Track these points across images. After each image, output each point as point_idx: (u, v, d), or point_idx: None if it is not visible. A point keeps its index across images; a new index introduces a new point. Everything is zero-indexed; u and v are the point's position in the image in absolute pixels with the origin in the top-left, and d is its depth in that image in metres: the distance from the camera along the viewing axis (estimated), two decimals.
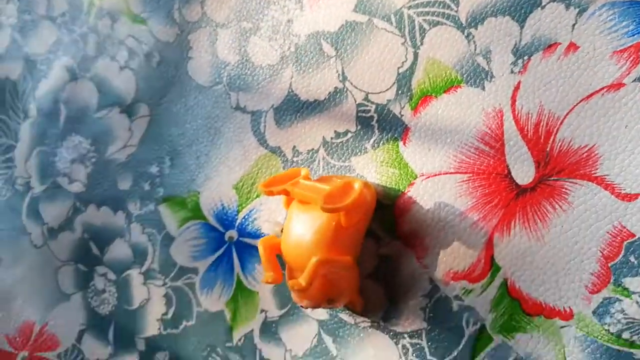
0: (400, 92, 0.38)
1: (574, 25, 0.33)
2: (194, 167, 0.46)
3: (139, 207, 0.48)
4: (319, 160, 0.41)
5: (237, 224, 0.44)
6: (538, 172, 0.33)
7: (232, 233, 0.44)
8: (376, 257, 0.38)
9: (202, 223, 0.45)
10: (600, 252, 0.31)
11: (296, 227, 0.34)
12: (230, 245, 0.44)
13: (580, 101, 0.32)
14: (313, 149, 0.41)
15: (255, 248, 0.43)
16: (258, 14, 0.44)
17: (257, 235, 0.43)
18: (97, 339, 0.50)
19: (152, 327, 0.47)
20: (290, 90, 0.42)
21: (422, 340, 0.36)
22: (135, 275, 0.48)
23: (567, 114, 0.32)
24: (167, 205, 0.47)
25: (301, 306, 0.35)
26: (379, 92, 0.39)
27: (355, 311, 0.38)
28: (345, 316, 0.39)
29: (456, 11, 0.36)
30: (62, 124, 0.52)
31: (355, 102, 0.40)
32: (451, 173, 0.36)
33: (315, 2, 0.41)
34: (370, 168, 0.39)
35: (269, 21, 0.43)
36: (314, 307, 0.35)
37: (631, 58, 0.31)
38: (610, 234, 0.31)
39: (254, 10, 0.44)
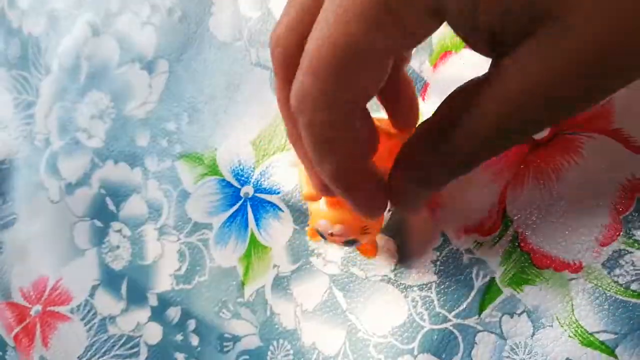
0: (419, 47, 0.41)
1: None
2: (211, 123, 0.49)
3: (157, 164, 0.52)
4: None
5: (252, 180, 0.47)
6: (553, 128, 0.36)
7: (248, 189, 0.47)
8: (388, 212, 0.40)
9: (219, 179, 0.49)
10: (613, 204, 0.33)
11: None
12: (246, 201, 0.47)
13: None
14: None
15: (271, 203, 0.46)
16: None
17: (272, 191, 0.46)
18: (110, 294, 0.54)
19: (164, 283, 0.51)
20: None
21: (431, 292, 0.38)
22: (149, 230, 0.52)
23: None
24: (184, 161, 0.51)
25: (329, 237, 0.35)
26: None
27: (370, 256, 0.40)
28: (356, 270, 0.42)
29: None
30: (83, 80, 0.56)
31: None
32: None
33: None
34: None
35: None
36: (344, 237, 0.35)
37: None
38: (623, 186, 0.33)
39: None
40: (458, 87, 0.24)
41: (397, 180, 0.27)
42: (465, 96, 0.22)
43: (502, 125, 0.21)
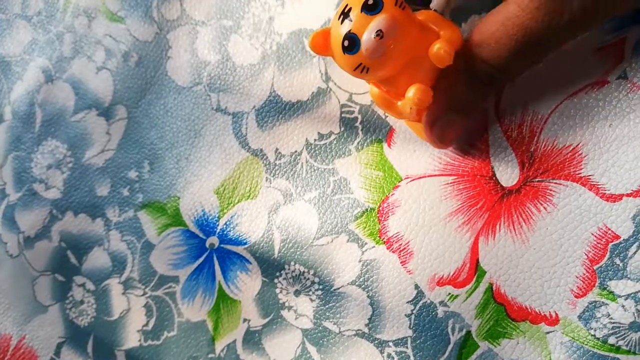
0: None
1: None
2: (173, 171, 0.48)
3: (118, 214, 0.50)
4: (302, 163, 0.43)
5: (218, 230, 0.45)
6: (522, 174, 0.35)
7: (213, 240, 0.46)
8: (359, 263, 0.39)
9: (183, 230, 0.47)
10: (586, 254, 0.33)
11: None
12: (212, 252, 0.46)
13: (564, 100, 0.34)
14: (296, 152, 0.43)
15: (238, 255, 0.44)
16: (239, 11, 0.46)
17: (239, 242, 0.44)
18: (76, 352, 0.52)
19: (132, 339, 0.49)
20: (272, 91, 0.44)
21: (407, 348, 0.37)
22: (114, 284, 0.50)
23: (551, 113, 0.34)
24: (146, 211, 0.49)
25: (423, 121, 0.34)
26: (364, 93, 0.41)
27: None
28: (329, 324, 0.40)
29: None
30: (37, 128, 0.54)
31: (339, 102, 0.42)
32: (436, 175, 0.38)
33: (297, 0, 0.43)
34: (354, 170, 0.41)
35: (250, 19, 0.45)
36: (437, 116, 0.33)
37: (615, 55, 0.33)
38: (595, 236, 0.32)
39: (235, 8, 0.46)
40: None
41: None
42: None
43: None
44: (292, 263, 0.42)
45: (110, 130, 0.51)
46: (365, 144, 0.40)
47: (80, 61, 0.52)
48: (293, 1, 0.43)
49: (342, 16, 0.31)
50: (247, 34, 0.45)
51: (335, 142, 0.42)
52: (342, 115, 0.41)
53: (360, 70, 0.31)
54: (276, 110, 0.44)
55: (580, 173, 0.33)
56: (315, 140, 0.42)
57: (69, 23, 0.53)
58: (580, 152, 0.33)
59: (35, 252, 0.54)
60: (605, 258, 0.32)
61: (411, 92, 0.31)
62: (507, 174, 0.35)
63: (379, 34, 0.30)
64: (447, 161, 0.37)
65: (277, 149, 0.44)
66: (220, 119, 0.46)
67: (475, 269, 0.36)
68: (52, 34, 0.54)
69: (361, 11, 0.30)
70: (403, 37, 0.30)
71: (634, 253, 0.31)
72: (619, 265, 0.32)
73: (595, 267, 0.32)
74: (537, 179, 0.35)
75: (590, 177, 0.33)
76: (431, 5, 0.34)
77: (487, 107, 0.36)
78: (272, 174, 0.44)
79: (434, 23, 0.32)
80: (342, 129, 0.41)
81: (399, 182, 0.39)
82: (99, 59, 0.51)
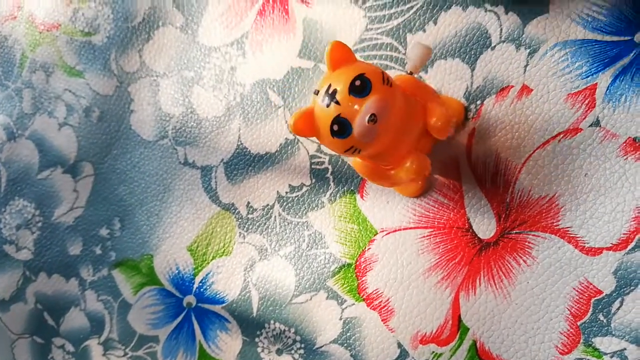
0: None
1: (525, 66, 0.33)
2: (145, 228, 0.46)
3: (92, 273, 0.49)
4: (275, 217, 0.41)
5: (194, 288, 0.44)
6: (499, 225, 0.34)
7: (190, 299, 0.44)
8: (340, 321, 0.38)
9: (159, 289, 0.46)
10: (568, 310, 0.32)
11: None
12: (190, 311, 0.44)
13: (537, 148, 0.33)
14: (268, 205, 0.42)
15: (216, 314, 0.43)
16: (199, 61, 0.44)
17: (216, 300, 0.43)
18: None
19: None
20: (239, 143, 0.43)
21: None
22: (94, 345, 0.49)
23: (525, 162, 0.33)
24: (120, 270, 0.48)
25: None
26: None
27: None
28: None
29: (404, 54, 0.37)
30: (3, 187, 0.53)
31: (308, 153, 0.40)
32: (411, 228, 0.37)
33: (259, 48, 0.42)
34: (329, 223, 0.39)
35: (212, 69, 0.44)
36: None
37: (586, 101, 0.32)
38: (577, 291, 0.31)
39: (195, 58, 0.44)
40: None
41: None
42: None
43: None
44: (272, 321, 0.41)
45: (77, 188, 0.49)
46: (337, 196, 0.39)
47: (42, 117, 0.51)
48: (254, 51, 0.42)
49: (326, 97, 0.29)
50: (210, 85, 0.44)
51: (307, 194, 0.40)
52: (312, 166, 0.40)
53: (352, 151, 0.29)
54: (245, 162, 0.42)
55: (559, 225, 0.32)
56: (286, 192, 0.41)
57: (26, 78, 0.51)
58: (557, 202, 0.32)
59: (12, 315, 0.53)
60: (589, 314, 0.31)
61: (409, 162, 0.31)
62: (484, 225, 0.34)
63: (373, 119, 0.28)
64: (422, 213, 0.36)
65: (248, 203, 0.42)
66: (188, 173, 0.45)
67: (458, 326, 0.35)
68: (11, 90, 0.52)
69: (349, 93, 0.28)
70: (394, 115, 0.29)
71: (617, 309, 0.30)
72: (602, 321, 0.31)
73: (579, 323, 0.31)
74: (514, 231, 0.33)
75: (568, 229, 0.32)
76: (406, 68, 0.33)
77: (459, 156, 0.35)
78: (245, 229, 0.42)
79: (415, 90, 0.32)
80: (313, 180, 0.40)
81: (375, 235, 0.38)
82: (60, 114, 0.50)
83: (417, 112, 0.31)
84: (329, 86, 0.29)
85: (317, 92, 0.29)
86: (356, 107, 0.28)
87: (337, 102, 0.28)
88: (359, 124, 0.28)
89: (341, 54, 0.29)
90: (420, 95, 0.32)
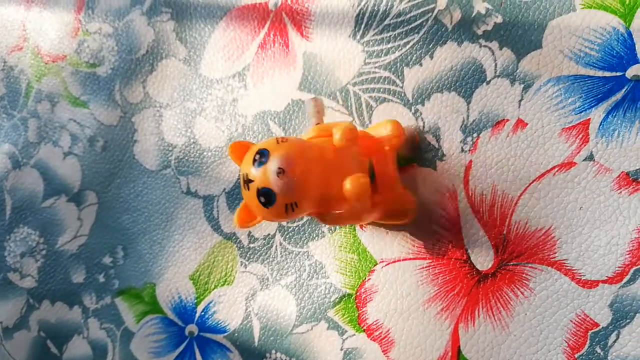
0: None
1: (520, 101, 0.34)
2: (148, 256, 0.47)
3: (95, 301, 0.50)
4: (276, 246, 0.42)
5: (196, 317, 0.45)
6: (497, 257, 0.35)
7: (192, 328, 0.45)
8: (341, 351, 0.39)
9: (161, 317, 0.47)
10: (566, 342, 0.32)
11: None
12: (192, 340, 0.45)
13: (533, 181, 0.34)
14: (269, 235, 0.43)
15: (218, 344, 0.44)
16: (202, 93, 0.45)
17: (218, 330, 0.44)
18: None
19: None
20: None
21: None
22: None
23: (521, 194, 0.34)
24: (123, 298, 0.48)
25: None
26: None
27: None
28: None
29: (401, 87, 0.38)
30: (8, 215, 0.54)
31: None
32: (410, 259, 0.37)
33: (260, 80, 0.43)
34: (329, 253, 0.40)
35: (214, 101, 0.45)
36: None
37: (580, 136, 0.33)
38: (574, 323, 0.32)
39: (198, 90, 0.46)
40: None
41: None
42: None
43: None
44: (273, 351, 0.42)
45: (81, 216, 0.51)
46: (337, 226, 0.40)
47: (46, 146, 0.52)
48: (255, 82, 0.43)
49: (244, 184, 0.32)
50: (212, 116, 0.45)
51: (307, 223, 0.41)
52: None
53: (291, 209, 0.32)
54: None
55: (555, 257, 0.33)
56: (287, 222, 0.42)
57: (32, 108, 0.53)
58: (553, 235, 0.33)
59: (15, 343, 0.54)
60: (586, 346, 0.32)
61: (346, 185, 0.32)
62: (482, 257, 0.35)
63: (280, 171, 0.31)
64: (421, 244, 0.37)
65: (250, 232, 0.43)
66: (191, 203, 0.46)
67: (458, 357, 0.35)
68: (17, 119, 0.54)
69: (257, 167, 0.32)
70: (302, 158, 0.32)
71: (614, 342, 0.31)
72: (600, 353, 0.31)
73: (576, 356, 0.32)
74: (512, 263, 0.34)
75: (564, 261, 0.33)
76: (312, 124, 0.37)
77: (456, 188, 0.36)
78: (246, 258, 0.43)
79: (323, 130, 0.35)
80: None
81: (374, 266, 0.38)
82: (64, 144, 0.51)
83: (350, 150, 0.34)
84: (244, 175, 0.33)
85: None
86: (264, 173, 0.31)
87: (251, 181, 0.32)
88: (273, 183, 0.31)
89: (239, 149, 0.34)
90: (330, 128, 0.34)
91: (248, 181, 0.32)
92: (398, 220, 0.37)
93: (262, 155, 0.31)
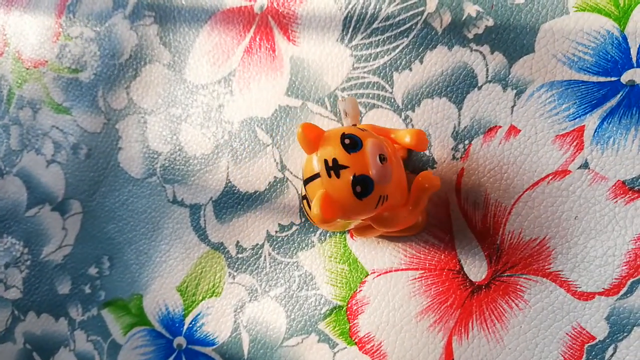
0: None
1: (513, 107, 0.34)
2: (134, 267, 0.47)
3: (81, 313, 0.49)
4: (264, 257, 0.41)
5: (184, 329, 0.44)
6: (490, 268, 0.34)
7: (180, 340, 0.44)
8: None
9: (149, 329, 0.46)
10: (562, 355, 0.32)
11: None
12: (180, 353, 0.44)
13: (527, 190, 0.33)
14: (257, 245, 0.42)
15: (207, 356, 0.43)
16: (187, 99, 0.44)
17: (207, 342, 0.43)
18: None
19: None
20: (228, 182, 0.43)
21: None
22: None
23: (514, 203, 0.33)
24: (110, 310, 0.48)
25: None
26: None
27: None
28: None
29: (391, 93, 0.37)
30: None
31: (297, 192, 0.40)
32: (402, 269, 0.37)
33: (246, 86, 0.42)
34: (319, 264, 0.39)
35: (199, 107, 0.44)
36: None
37: (574, 143, 0.32)
38: (570, 336, 0.31)
39: (183, 95, 0.45)
40: None
41: None
42: None
43: None
44: None
45: (66, 225, 0.50)
46: (327, 235, 0.39)
47: (29, 154, 0.51)
48: (242, 88, 0.42)
49: (331, 171, 0.29)
50: (198, 122, 0.44)
51: (297, 233, 0.40)
52: (302, 205, 0.40)
53: (382, 202, 0.29)
54: (234, 201, 0.43)
55: (550, 268, 0.32)
56: (276, 232, 0.41)
57: (14, 115, 0.52)
58: (547, 245, 0.32)
59: (0, 356, 0.53)
60: None
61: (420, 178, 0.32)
62: (475, 267, 0.34)
63: (384, 157, 0.29)
64: (413, 254, 0.36)
65: (238, 242, 0.43)
66: (177, 212, 0.45)
67: None
68: None
69: (348, 153, 0.29)
70: (390, 148, 0.30)
71: (611, 355, 0.30)
72: None
73: None
74: (506, 274, 0.34)
75: (559, 272, 0.32)
76: (347, 124, 0.34)
77: (448, 197, 0.35)
78: (235, 269, 0.42)
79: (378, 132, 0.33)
80: (303, 219, 0.40)
81: (366, 276, 0.38)
82: (47, 151, 0.50)
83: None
84: (325, 162, 0.29)
85: (307, 181, 0.30)
86: (362, 158, 0.29)
87: (345, 167, 0.28)
88: (374, 169, 0.28)
89: (314, 132, 0.30)
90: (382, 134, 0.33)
91: (340, 167, 0.29)
92: (408, 232, 0.36)
93: (355, 141, 0.29)
